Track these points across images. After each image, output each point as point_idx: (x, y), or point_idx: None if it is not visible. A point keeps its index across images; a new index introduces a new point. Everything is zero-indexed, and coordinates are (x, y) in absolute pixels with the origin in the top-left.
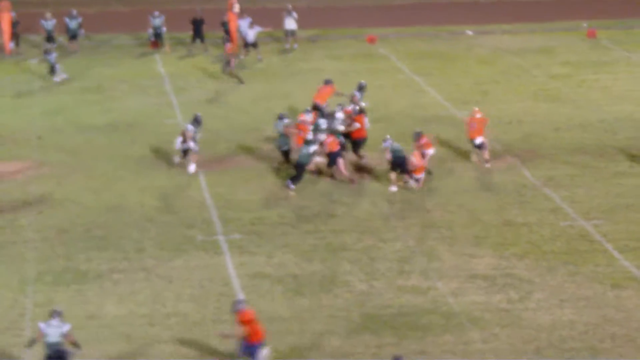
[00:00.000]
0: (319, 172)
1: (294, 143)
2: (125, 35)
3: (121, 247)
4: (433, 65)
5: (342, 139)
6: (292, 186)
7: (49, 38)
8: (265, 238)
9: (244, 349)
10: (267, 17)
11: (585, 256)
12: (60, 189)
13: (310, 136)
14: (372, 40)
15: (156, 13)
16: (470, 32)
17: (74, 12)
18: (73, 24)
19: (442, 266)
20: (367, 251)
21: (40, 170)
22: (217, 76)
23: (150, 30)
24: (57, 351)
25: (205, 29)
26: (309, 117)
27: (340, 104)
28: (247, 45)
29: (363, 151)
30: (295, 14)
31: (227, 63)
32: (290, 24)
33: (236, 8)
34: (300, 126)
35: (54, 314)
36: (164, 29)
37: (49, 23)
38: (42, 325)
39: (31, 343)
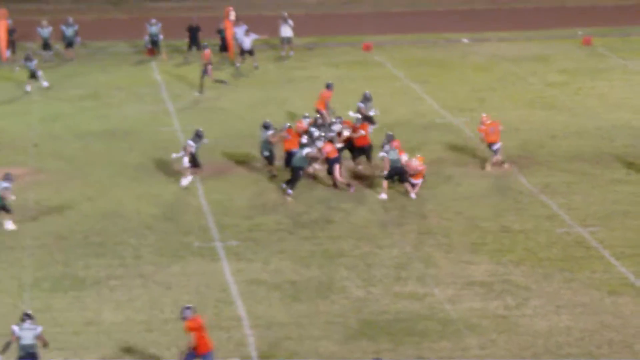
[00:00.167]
0: (313, 177)
1: (282, 148)
2: (122, 43)
3: (118, 254)
4: (429, 73)
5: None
6: (290, 191)
7: (45, 45)
8: (262, 244)
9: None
10: (263, 24)
11: (581, 263)
12: (58, 195)
13: (304, 140)
14: (368, 48)
15: (153, 21)
16: (466, 40)
17: (70, 19)
18: (69, 32)
19: (439, 273)
20: (364, 257)
21: (37, 177)
22: (213, 83)
23: (147, 38)
24: (30, 353)
25: (201, 36)
26: (306, 123)
27: (339, 117)
28: (243, 52)
29: (362, 159)
30: (291, 22)
31: (205, 71)
32: (286, 31)
33: (232, 16)
34: (289, 131)
35: (26, 317)
36: (161, 36)
37: (45, 30)
38: (15, 328)
39: (6, 347)
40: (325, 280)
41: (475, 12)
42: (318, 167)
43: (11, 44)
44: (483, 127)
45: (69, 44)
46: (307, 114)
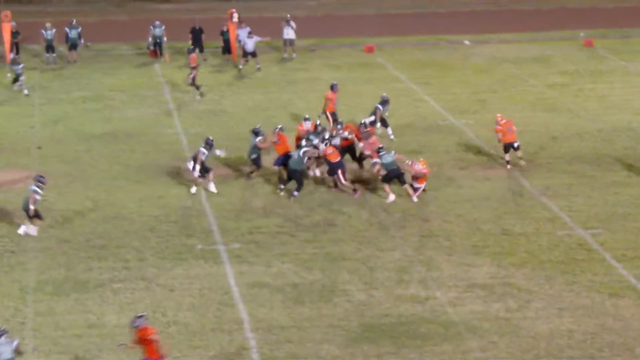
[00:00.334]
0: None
1: (276, 152)
2: (125, 45)
3: (121, 257)
4: (431, 75)
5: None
6: (296, 193)
7: (49, 47)
8: (265, 247)
9: None
10: (266, 26)
11: (583, 265)
12: (60, 198)
13: (304, 144)
14: (370, 50)
15: (157, 23)
16: (468, 42)
17: (74, 21)
18: (73, 34)
19: (440, 275)
20: (366, 261)
21: None
22: (216, 85)
23: (150, 39)
24: None
25: (204, 38)
26: (307, 126)
27: (341, 122)
28: (246, 54)
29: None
30: (293, 24)
31: (191, 74)
32: (289, 33)
33: (235, 18)
34: (279, 135)
35: (1, 332)
36: (165, 38)
37: (49, 32)
38: None
39: None
40: (327, 283)
41: (476, 13)
42: (318, 174)
43: (15, 46)
44: (499, 127)
45: (73, 46)
46: (307, 116)
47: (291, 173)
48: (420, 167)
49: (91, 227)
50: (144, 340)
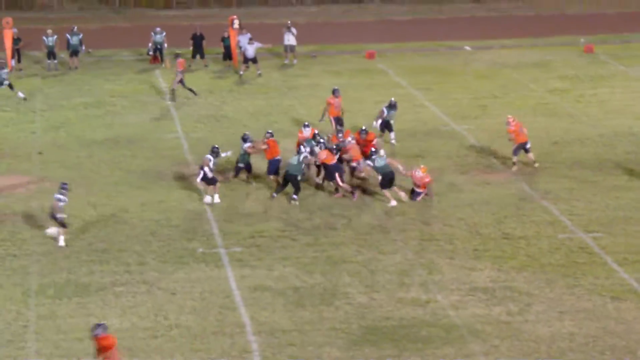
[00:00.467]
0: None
1: (265, 157)
2: (126, 51)
3: (123, 260)
4: (432, 80)
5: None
6: (295, 196)
7: (50, 54)
8: (266, 251)
9: None
10: (267, 33)
11: (584, 269)
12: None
13: (302, 149)
14: (370, 56)
15: (158, 29)
16: (468, 48)
17: (75, 28)
18: (74, 40)
19: (441, 279)
20: (367, 264)
21: (41, 184)
22: (217, 91)
23: (151, 45)
24: None
25: (205, 44)
26: (306, 132)
27: (340, 128)
28: (246, 60)
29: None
30: (294, 30)
31: (181, 79)
32: (290, 39)
33: (236, 24)
34: (269, 142)
35: None
36: (165, 45)
37: (50, 39)
38: None
39: None
40: (329, 286)
41: (476, 19)
42: (318, 180)
43: (16, 53)
44: (512, 128)
45: (74, 52)
46: (307, 123)
47: (287, 177)
48: (420, 174)
49: (93, 231)
50: (104, 349)
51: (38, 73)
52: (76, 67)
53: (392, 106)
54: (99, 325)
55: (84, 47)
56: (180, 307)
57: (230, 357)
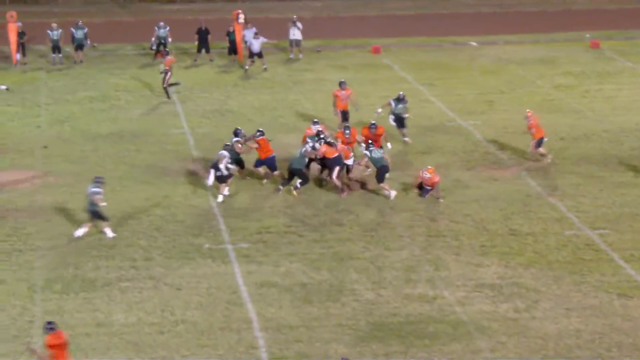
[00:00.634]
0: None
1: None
2: (131, 45)
3: (129, 256)
4: (437, 76)
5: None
6: (298, 185)
7: (55, 48)
8: (272, 247)
9: None
10: (272, 27)
11: (590, 265)
12: (67, 198)
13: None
14: (376, 51)
15: (161, 23)
16: (474, 43)
17: (80, 22)
18: (79, 34)
19: (448, 275)
20: (374, 260)
21: (46, 179)
22: (222, 86)
23: (154, 40)
24: None
25: (210, 39)
26: (315, 129)
27: (347, 125)
28: (252, 55)
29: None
30: (300, 25)
31: (166, 77)
32: (295, 34)
33: (241, 18)
34: (260, 141)
35: None
36: (169, 39)
37: (55, 33)
38: None
39: None
40: (336, 282)
41: (481, 15)
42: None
43: (21, 47)
44: (533, 122)
45: (79, 46)
46: (316, 120)
47: (293, 172)
48: (428, 175)
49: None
50: (55, 346)
51: (43, 67)
52: (81, 61)
53: (399, 99)
54: (48, 323)
55: (89, 41)
56: (186, 302)
57: (237, 353)
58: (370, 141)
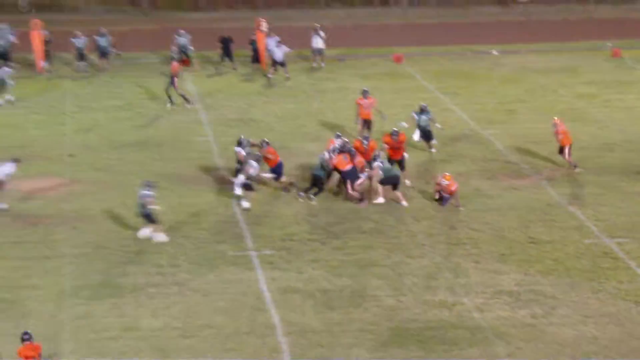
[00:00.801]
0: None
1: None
2: (155, 54)
3: (155, 262)
4: (458, 85)
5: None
6: (312, 196)
7: (80, 56)
8: (296, 254)
9: None
10: (295, 36)
11: (608, 273)
12: (94, 205)
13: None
14: (398, 60)
15: (182, 32)
16: (495, 52)
17: (103, 30)
18: (102, 42)
19: (468, 282)
20: (395, 267)
21: (72, 187)
22: (246, 94)
23: (174, 49)
24: None
25: (233, 47)
26: (338, 143)
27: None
28: (275, 63)
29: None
30: (322, 33)
31: (171, 82)
32: (318, 43)
33: (264, 27)
34: (267, 150)
35: None
36: (191, 47)
37: (80, 41)
38: None
39: None
40: (357, 288)
41: (503, 24)
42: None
43: (47, 55)
44: (561, 129)
45: (103, 54)
46: (339, 133)
47: (313, 178)
48: (445, 182)
49: (125, 233)
50: (28, 357)
51: (68, 75)
52: (106, 69)
53: (422, 111)
54: (25, 333)
55: (113, 49)
56: (211, 308)
57: (261, 357)
58: (377, 154)
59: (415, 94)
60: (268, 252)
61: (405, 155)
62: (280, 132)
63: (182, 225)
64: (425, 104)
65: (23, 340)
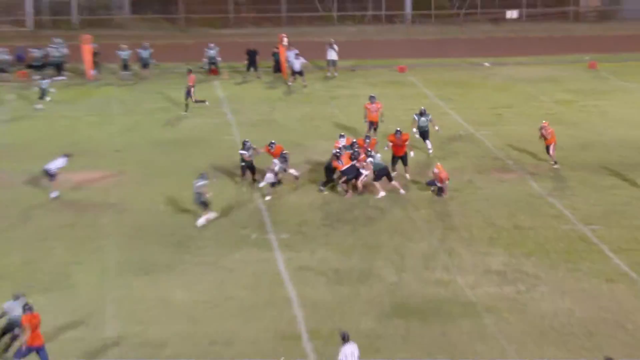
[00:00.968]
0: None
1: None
2: (189, 64)
3: (187, 244)
4: (455, 92)
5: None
6: (322, 188)
7: (124, 66)
8: (310, 237)
9: (24, 351)
10: (312, 49)
11: (583, 255)
12: (136, 194)
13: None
14: (402, 70)
15: (211, 45)
16: (487, 64)
17: (146, 43)
18: (145, 54)
19: (461, 262)
20: (397, 249)
21: (118, 178)
22: (269, 100)
23: (205, 60)
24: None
25: (258, 59)
26: (342, 143)
27: (368, 135)
28: (294, 73)
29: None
30: (336, 47)
31: (188, 92)
32: (332, 55)
33: (285, 41)
34: (277, 148)
35: (18, 296)
36: (219, 58)
37: (124, 53)
38: (7, 304)
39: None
40: (364, 268)
41: (494, 39)
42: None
43: (96, 65)
44: (550, 130)
45: (145, 64)
46: (342, 134)
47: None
48: (436, 170)
49: (161, 218)
50: (30, 325)
51: (114, 82)
52: (147, 78)
53: (422, 114)
54: (26, 304)
55: (153, 60)
56: (236, 283)
57: (279, 328)
58: (370, 150)
59: (417, 100)
60: (285, 235)
61: (412, 153)
62: (298, 131)
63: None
64: (424, 108)
65: (25, 310)
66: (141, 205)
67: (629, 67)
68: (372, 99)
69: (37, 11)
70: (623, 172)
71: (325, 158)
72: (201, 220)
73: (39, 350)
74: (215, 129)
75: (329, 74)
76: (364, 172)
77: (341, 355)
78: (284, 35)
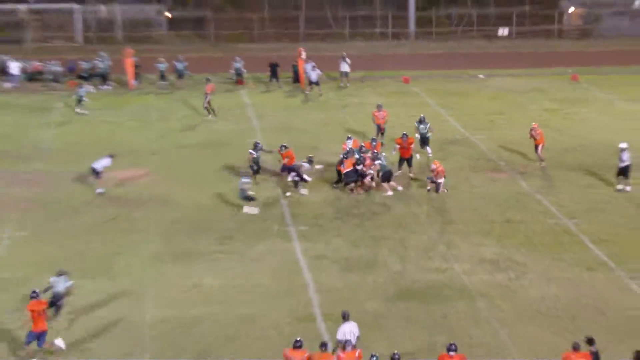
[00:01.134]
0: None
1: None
2: (218, 76)
3: (218, 235)
4: (453, 101)
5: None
6: (335, 185)
7: (162, 77)
8: (324, 229)
9: (29, 337)
10: (327, 62)
11: (567, 247)
12: (170, 191)
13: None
14: (406, 81)
15: (237, 58)
16: (482, 76)
17: (181, 57)
18: (180, 66)
19: (457, 253)
20: (401, 241)
21: (155, 177)
22: (288, 107)
23: (232, 72)
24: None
25: (279, 71)
26: (349, 145)
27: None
28: (311, 83)
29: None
30: (348, 60)
31: (205, 98)
32: (344, 67)
33: (303, 55)
34: (288, 153)
35: (62, 272)
36: (244, 70)
37: (162, 65)
38: (52, 279)
39: (46, 290)
40: (371, 257)
41: (489, 54)
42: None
43: (137, 76)
44: (539, 131)
45: (180, 75)
46: (349, 136)
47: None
48: (434, 166)
49: (194, 213)
50: (34, 311)
51: (152, 92)
52: (182, 88)
53: (421, 121)
54: (33, 291)
55: (188, 72)
56: (260, 270)
57: (297, 310)
58: (376, 152)
59: (420, 108)
60: (303, 228)
61: (417, 156)
62: (313, 135)
63: (237, 207)
64: (423, 116)
65: (31, 297)
66: (176, 200)
67: (608, 79)
68: (379, 107)
69: (86, 28)
70: (602, 172)
71: (337, 159)
72: (247, 209)
73: (40, 336)
74: (240, 133)
75: (341, 84)
76: (368, 172)
77: (339, 333)
78: (303, 49)
